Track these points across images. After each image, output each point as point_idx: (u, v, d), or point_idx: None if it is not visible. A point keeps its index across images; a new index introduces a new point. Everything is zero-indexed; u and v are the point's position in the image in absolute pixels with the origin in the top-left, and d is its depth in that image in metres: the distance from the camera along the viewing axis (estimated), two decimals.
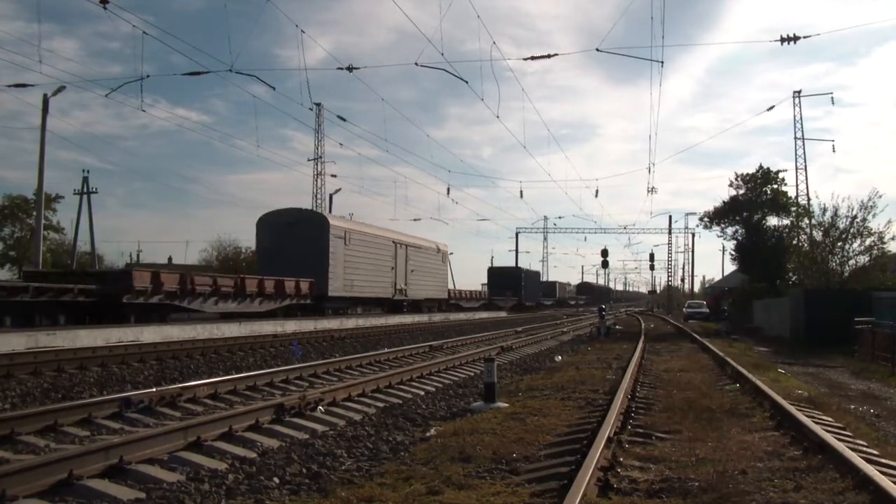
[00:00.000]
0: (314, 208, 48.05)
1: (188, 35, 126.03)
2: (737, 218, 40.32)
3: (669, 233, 73.65)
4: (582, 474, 5.36)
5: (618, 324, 38.92)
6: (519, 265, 74.20)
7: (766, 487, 5.63)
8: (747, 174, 40.41)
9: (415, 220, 71.71)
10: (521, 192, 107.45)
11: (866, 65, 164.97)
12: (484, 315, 50.91)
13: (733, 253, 42.77)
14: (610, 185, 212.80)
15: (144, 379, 12.19)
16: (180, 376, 12.64)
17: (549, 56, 19.48)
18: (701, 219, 43.77)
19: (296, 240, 31.58)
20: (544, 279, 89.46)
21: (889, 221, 30.56)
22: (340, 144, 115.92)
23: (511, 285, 66.56)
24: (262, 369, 13.19)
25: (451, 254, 61.20)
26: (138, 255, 67.52)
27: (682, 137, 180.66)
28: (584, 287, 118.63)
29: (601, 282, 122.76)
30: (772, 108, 52.49)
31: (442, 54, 35.98)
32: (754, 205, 39.65)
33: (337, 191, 50.56)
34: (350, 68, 20.55)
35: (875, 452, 7.00)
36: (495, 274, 70.67)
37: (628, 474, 6.06)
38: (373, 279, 36.13)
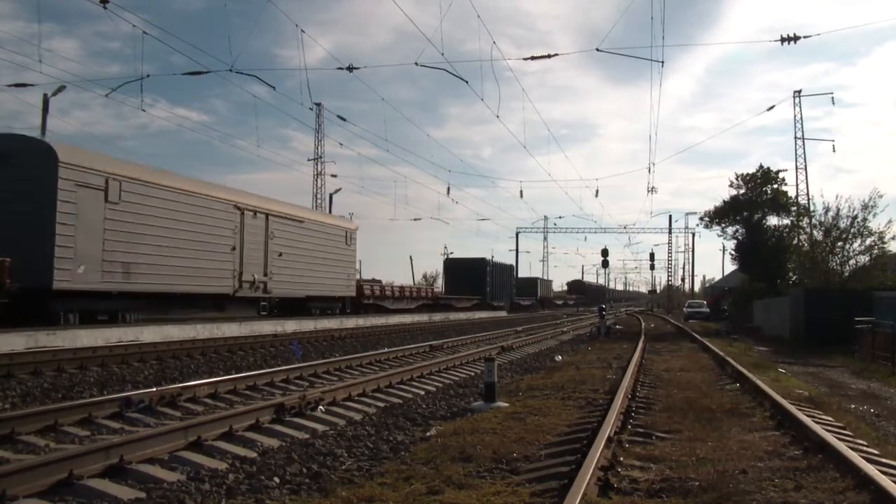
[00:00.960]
0: (315, 208, 47.41)
1: (188, 35, 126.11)
2: (737, 218, 40.35)
3: (669, 232, 73.83)
4: (582, 474, 5.36)
5: (618, 323, 38.94)
6: (485, 257, 61.16)
7: (766, 487, 5.63)
8: (747, 174, 40.47)
9: (415, 219, 71.59)
10: (521, 191, 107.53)
11: (866, 65, 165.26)
12: (484, 315, 50.80)
13: (733, 253, 42.82)
14: (610, 185, 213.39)
15: (144, 379, 12.19)
16: (180, 376, 12.64)
17: (549, 56, 19.50)
18: (701, 218, 43.86)
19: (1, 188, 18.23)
20: (525, 275, 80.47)
21: (889, 221, 30.65)
22: (340, 144, 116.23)
23: (473, 281, 55.53)
24: (262, 369, 13.18)
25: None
26: None
27: (682, 137, 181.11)
28: (575, 285, 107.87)
29: (601, 281, 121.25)
30: (772, 108, 52.68)
31: (442, 54, 36.06)
32: (754, 204, 39.67)
33: (337, 191, 50.52)
34: (350, 68, 20.56)
35: (875, 452, 7.00)
36: (453, 267, 58.60)
37: (628, 474, 6.05)
38: (183, 263, 22.37)
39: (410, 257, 60.67)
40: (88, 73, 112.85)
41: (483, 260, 59.36)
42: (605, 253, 56.58)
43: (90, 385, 11.34)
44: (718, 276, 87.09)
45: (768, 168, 40.64)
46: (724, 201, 41.04)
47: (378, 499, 5.32)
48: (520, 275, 76.46)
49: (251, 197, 27.15)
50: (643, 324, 38.19)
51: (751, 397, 10.71)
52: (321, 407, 9.09)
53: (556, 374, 14.04)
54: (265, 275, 26.84)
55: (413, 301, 44.57)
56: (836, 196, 38.34)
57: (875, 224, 30.62)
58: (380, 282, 43.92)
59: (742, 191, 40.25)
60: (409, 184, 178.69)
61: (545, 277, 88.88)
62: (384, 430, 8.17)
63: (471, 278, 55.73)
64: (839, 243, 31.38)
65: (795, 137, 41.51)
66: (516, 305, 66.51)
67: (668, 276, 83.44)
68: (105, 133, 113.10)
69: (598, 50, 20.61)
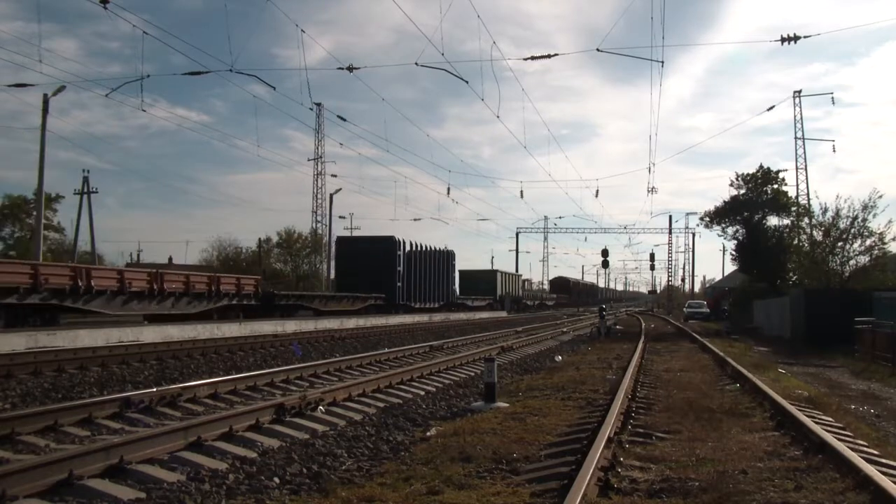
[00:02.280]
0: (314, 208, 47.73)
1: (188, 35, 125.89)
2: (737, 218, 40.39)
3: (670, 233, 73.73)
4: (582, 474, 5.36)
5: (618, 324, 38.95)
6: (396, 236, 41.70)
7: (766, 487, 5.63)
8: (748, 174, 40.53)
9: (415, 219, 71.12)
10: (522, 192, 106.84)
11: (866, 65, 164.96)
12: (485, 315, 50.69)
13: (734, 253, 42.87)
14: (610, 185, 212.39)
15: (144, 379, 12.19)
16: (180, 376, 12.64)
17: (549, 56, 19.46)
18: (701, 218, 43.87)
19: None
20: (475, 267, 63.96)
21: (889, 222, 30.69)
22: (340, 144, 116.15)
23: (375, 271, 38.66)
24: (263, 369, 13.19)
25: None
26: (138, 255, 67.45)
27: (682, 137, 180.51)
28: (559, 283, 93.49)
29: (601, 282, 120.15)
30: (772, 108, 52.78)
31: (442, 54, 35.99)
32: (755, 205, 39.71)
33: (337, 191, 50.34)
34: (350, 68, 20.54)
35: (875, 452, 7.00)
36: (348, 251, 41.56)
37: (629, 474, 6.06)
38: None
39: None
40: (88, 73, 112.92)
41: (390, 240, 40.65)
42: (605, 253, 56.61)
43: (90, 385, 11.35)
44: (719, 277, 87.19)
45: (768, 168, 40.76)
46: (724, 201, 41.15)
47: (378, 499, 5.32)
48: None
49: None
50: (643, 324, 38.17)
51: (751, 397, 10.71)
52: (321, 407, 9.10)
53: (556, 375, 14.03)
54: None
55: (200, 302, 26.13)
56: (837, 196, 38.37)
57: (875, 224, 30.69)
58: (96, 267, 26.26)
59: (742, 191, 40.33)
60: (409, 184, 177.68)
61: (509, 271, 69.35)
62: (384, 431, 8.17)
63: (372, 267, 38.51)
64: (839, 243, 31.40)
65: (795, 137, 41.69)
66: (458, 306, 51.17)
67: (669, 276, 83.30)
68: (105, 133, 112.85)
69: (598, 50, 20.59)
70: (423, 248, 45.15)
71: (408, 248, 42.34)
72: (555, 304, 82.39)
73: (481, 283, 58.82)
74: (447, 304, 48.74)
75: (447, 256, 49.91)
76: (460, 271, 59.00)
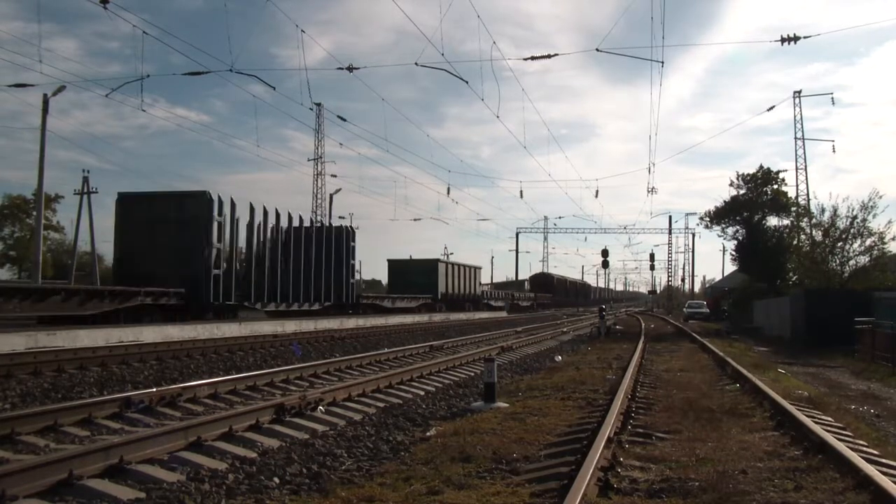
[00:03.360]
0: (314, 208, 47.56)
1: (188, 35, 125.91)
2: (737, 218, 40.46)
3: (669, 233, 73.69)
4: (582, 474, 5.36)
5: (618, 324, 38.96)
6: (212, 192, 24.39)
7: (766, 487, 5.63)
8: (748, 174, 40.62)
9: (415, 219, 70.79)
10: (521, 192, 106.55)
11: (866, 65, 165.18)
12: (485, 315, 50.62)
13: (734, 253, 42.94)
14: (610, 185, 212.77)
15: (144, 379, 12.18)
16: (180, 376, 12.63)
17: (548, 56, 19.46)
18: (701, 218, 43.95)
19: None
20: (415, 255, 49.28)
21: (889, 222, 30.74)
22: (340, 144, 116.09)
23: (175, 250, 23.81)
24: (262, 369, 13.18)
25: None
26: None
27: (682, 137, 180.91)
28: (540, 281, 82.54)
29: (601, 282, 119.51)
30: (772, 108, 52.76)
31: (442, 54, 36.02)
32: (755, 205, 39.77)
33: (337, 191, 50.02)
34: (350, 68, 20.54)
35: (875, 452, 7.00)
36: (133, 216, 24.79)
37: (628, 474, 6.05)
38: None
39: (410, 257, 48.82)
40: (88, 73, 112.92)
41: (200, 197, 24.27)
42: (605, 253, 56.66)
43: (90, 385, 11.34)
44: (718, 277, 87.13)
45: (768, 168, 40.86)
46: (724, 201, 41.25)
47: (378, 499, 5.32)
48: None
49: None
50: (643, 324, 38.16)
51: (751, 397, 10.71)
52: (321, 407, 9.09)
53: (555, 375, 14.03)
54: None
55: None
56: (830, 195, 38.46)
57: (875, 224, 30.70)
58: None
59: (742, 191, 40.40)
60: (409, 184, 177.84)
61: (470, 264, 54.33)
62: (384, 431, 8.17)
63: (165, 243, 23.93)
64: (839, 244, 31.41)
65: (795, 138, 41.66)
66: (368, 307, 37.02)
67: (669, 276, 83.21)
68: (105, 133, 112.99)
69: (597, 50, 20.61)
70: (289, 220, 29.42)
71: (238, 212, 25.88)
72: (532, 306, 70.20)
73: (417, 276, 44.97)
74: (340, 306, 32.95)
75: (340, 235, 33.31)
76: (390, 261, 48.27)
